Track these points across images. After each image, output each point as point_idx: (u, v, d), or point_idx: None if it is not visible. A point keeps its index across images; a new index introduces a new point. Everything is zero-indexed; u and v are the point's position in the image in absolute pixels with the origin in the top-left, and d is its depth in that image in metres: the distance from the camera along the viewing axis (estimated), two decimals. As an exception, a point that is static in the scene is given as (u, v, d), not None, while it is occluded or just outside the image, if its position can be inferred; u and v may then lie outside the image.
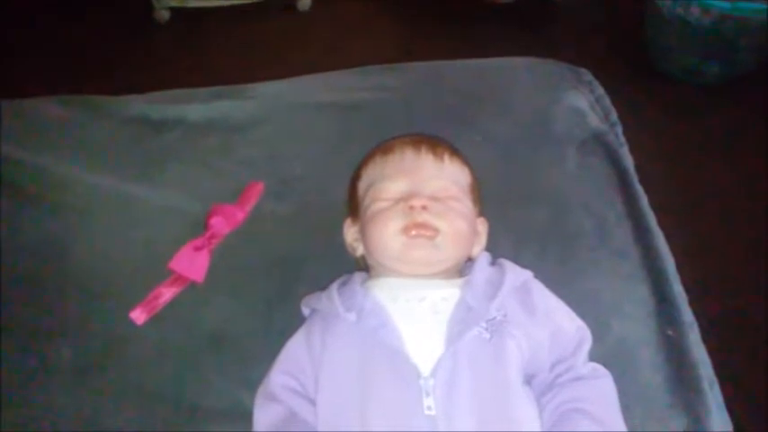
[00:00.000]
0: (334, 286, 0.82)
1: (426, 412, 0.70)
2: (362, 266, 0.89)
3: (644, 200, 1.03)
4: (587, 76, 1.20)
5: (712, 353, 0.89)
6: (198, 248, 0.96)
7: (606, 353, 0.84)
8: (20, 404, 0.85)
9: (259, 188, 1.04)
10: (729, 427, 0.84)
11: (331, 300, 0.79)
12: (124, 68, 1.99)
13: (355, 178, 0.90)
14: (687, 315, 0.92)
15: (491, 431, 0.70)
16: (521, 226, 0.98)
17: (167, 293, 0.93)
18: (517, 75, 1.21)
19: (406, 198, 0.81)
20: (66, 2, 2.20)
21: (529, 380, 0.77)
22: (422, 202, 0.80)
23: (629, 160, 1.08)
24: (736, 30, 1.80)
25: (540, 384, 0.77)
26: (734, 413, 0.85)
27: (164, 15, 2.18)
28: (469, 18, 2.14)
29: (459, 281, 0.81)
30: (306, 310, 0.85)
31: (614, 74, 1.29)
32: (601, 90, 1.18)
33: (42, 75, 1.88)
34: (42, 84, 1.31)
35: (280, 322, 0.88)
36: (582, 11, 2.12)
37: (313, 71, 1.26)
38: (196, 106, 1.17)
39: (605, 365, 0.80)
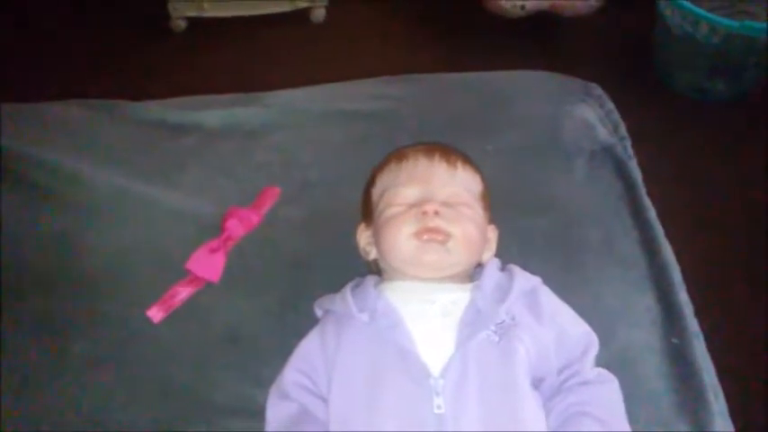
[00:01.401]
0: (348, 288, 0.84)
1: (436, 411, 0.72)
2: (375, 270, 0.91)
3: (651, 212, 1.05)
4: (597, 90, 1.22)
5: (716, 361, 0.90)
6: (214, 250, 0.98)
7: (611, 360, 0.85)
8: (31, 397, 0.87)
9: (275, 193, 1.06)
10: (733, 435, 0.86)
11: (345, 301, 0.81)
12: (140, 76, 2.01)
13: (369, 184, 0.92)
14: (693, 324, 0.93)
15: (497, 431, 0.72)
16: (529, 234, 0.99)
17: (183, 293, 0.95)
18: (528, 87, 1.23)
19: (419, 203, 0.83)
20: (83, 10, 2.24)
21: (537, 384, 0.78)
22: (434, 208, 0.82)
23: (637, 173, 1.10)
24: (743, 49, 1.82)
25: (548, 389, 0.79)
26: (737, 422, 0.86)
27: (180, 24, 2.21)
28: (479, 31, 2.16)
29: (470, 285, 0.83)
30: (319, 312, 0.87)
31: (622, 89, 1.31)
32: (610, 104, 1.20)
33: (57, 83, 1.91)
34: (57, 91, 1.33)
35: (292, 323, 0.90)
36: (591, 26, 2.14)
37: (326, 81, 1.28)
38: (213, 112, 1.20)
39: (611, 372, 0.81)
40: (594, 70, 1.36)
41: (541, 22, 2.11)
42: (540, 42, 2.11)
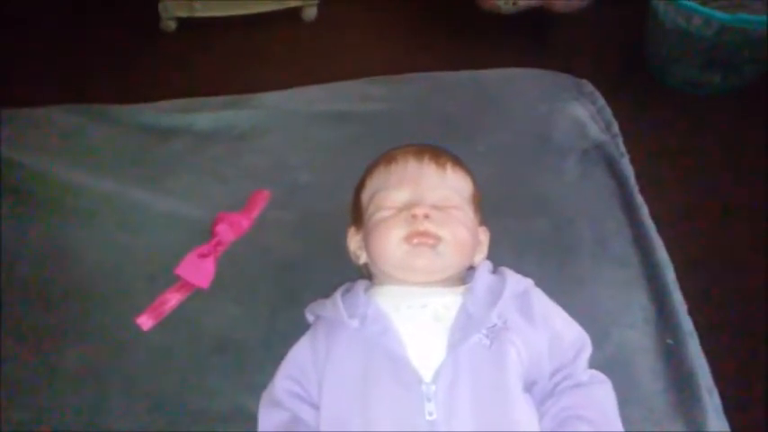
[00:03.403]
0: (338, 293, 0.83)
1: (428, 417, 0.72)
2: (365, 274, 0.90)
3: (644, 209, 1.04)
4: (588, 87, 1.21)
5: (711, 360, 0.90)
6: (204, 255, 0.97)
7: (605, 360, 0.84)
8: (24, 406, 0.86)
9: (265, 196, 1.05)
10: (727, 434, 0.85)
11: (335, 306, 0.80)
12: (131, 78, 2.00)
13: (359, 187, 0.91)
14: (686, 323, 0.92)
15: (490, 436, 0.71)
16: (521, 235, 0.99)
17: (173, 299, 0.94)
18: (519, 85, 1.23)
19: (408, 207, 0.82)
20: (73, 12, 2.22)
21: (529, 387, 0.78)
22: (424, 211, 0.81)
23: (629, 171, 1.10)
24: (737, 41, 1.81)
25: (541, 391, 0.78)
26: (732, 421, 0.86)
27: (170, 25, 2.20)
28: (472, 28, 2.16)
29: (461, 288, 0.82)
30: (310, 317, 0.86)
31: (615, 84, 1.30)
32: (602, 101, 1.19)
33: (49, 84, 1.90)
34: (49, 93, 1.32)
35: (283, 328, 0.89)
36: (583, 22, 2.13)
37: (318, 81, 1.27)
38: (203, 115, 1.19)
39: (604, 373, 0.81)
40: (587, 66, 1.36)
41: (533, 18, 2.10)
42: (532, 39, 2.11)
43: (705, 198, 1.68)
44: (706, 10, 1.78)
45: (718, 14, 1.77)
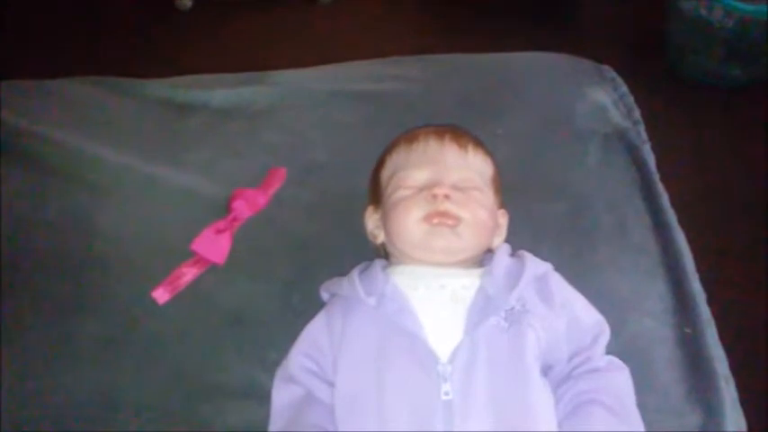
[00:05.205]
0: (356, 272, 0.83)
1: (444, 397, 0.71)
2: (382, 254, 0.89)
3: (664, 197, 1.03)
4: (610, 73, 1.20)
5: (728, 350, 0.89)
6: (220, 231, 0.97)
7: (623, 348, 0.84)
8: (40, 377, 0.86)
9: (282, 173, 1.04)
10: (743, 425, 0.84)
11: (352, 284, 0.80)
12: (146, 56, 2.00)
13: (378, 166, 0.90)
14: (705, 312, 0.92)
15: (506, 418, 0.71)
16: (540, 219, 0.98)
17: (189, 274, 0.94)
18: (540, 69, 1.21)
19: (428, 187, 0.82)
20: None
21: (546, 371, 0.77)
22: (444, 191, 0.80)
23: (650, 158, 1.08)
24: (758, 33, 1.79)
25: (558, 375, 0.78)
26: (747, 411, 0.85)
27: (186, 4, 2.20)
28: (491, 13, 2.14)
29: (479, 271, 0.82)
30: (325, 295, 0.86)
31: (634, 73, 1.29)
32: (624, 87, 1.18)
33: (64, 62, 1.89)
34: (63, 70, 1.32)
35: (298, 305, 0.89)
36: (604, 9, 2.12)
37: (334, 61, 1.27)
38: (221, 91, 1.18)
39: (621, 360, 0.80)
40: (606, 54, 1.34)
41: (555, 3, 2.08)
42: (552, 24, 2.09)
43: (725, 188, 1.67)
44: (728, 0, 1.76)
45: (740, 4, 1.75)
